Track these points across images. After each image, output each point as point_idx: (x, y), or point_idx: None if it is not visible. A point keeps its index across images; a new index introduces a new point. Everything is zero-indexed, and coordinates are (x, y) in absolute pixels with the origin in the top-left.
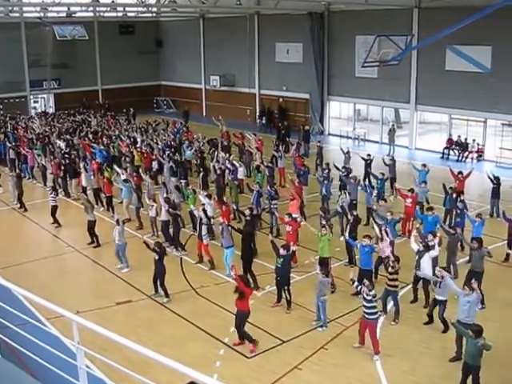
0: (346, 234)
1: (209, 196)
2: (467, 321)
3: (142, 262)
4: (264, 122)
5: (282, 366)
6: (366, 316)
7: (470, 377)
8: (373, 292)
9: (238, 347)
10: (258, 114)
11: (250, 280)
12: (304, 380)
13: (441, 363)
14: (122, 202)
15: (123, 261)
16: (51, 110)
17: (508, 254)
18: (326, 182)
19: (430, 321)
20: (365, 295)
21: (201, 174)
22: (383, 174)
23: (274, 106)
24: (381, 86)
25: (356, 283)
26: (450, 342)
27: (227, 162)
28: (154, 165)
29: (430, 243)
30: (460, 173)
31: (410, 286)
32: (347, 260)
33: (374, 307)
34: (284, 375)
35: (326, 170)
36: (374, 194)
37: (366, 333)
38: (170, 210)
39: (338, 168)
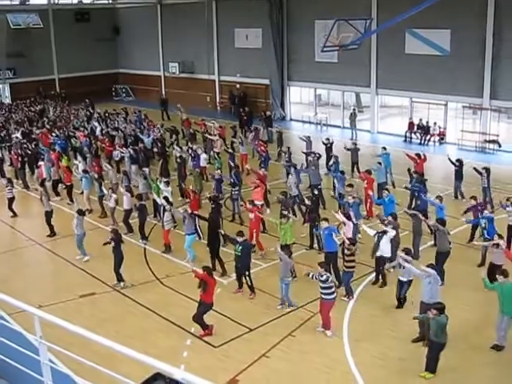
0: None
1: (167, 183)
2: (431, 301)
3: (105, 253)
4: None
5: (250, 355)
6: (323, 297)
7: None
8: (325, 276)
9: (204, 337)
10: (218, 100)
11: (219, 267)
12: (272, 368)
13: (409, 347)
14: (82, 193)
15: (81, 250)
16: (7, 101)
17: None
18: (293, 169)
19: (400, 304)
20: (319, 277)
21: (160, 162)
22: (336, 158)
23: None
24: (341, 71)
25: (307, 271)
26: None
27: (190, 149)
28: (117, 154)
29: (389, 226)
30: (418, 155)
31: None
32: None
33: (330, 287)
34: (252, 363)
35: (287, 155)
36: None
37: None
38: (137, 200)
39: (306, 153)
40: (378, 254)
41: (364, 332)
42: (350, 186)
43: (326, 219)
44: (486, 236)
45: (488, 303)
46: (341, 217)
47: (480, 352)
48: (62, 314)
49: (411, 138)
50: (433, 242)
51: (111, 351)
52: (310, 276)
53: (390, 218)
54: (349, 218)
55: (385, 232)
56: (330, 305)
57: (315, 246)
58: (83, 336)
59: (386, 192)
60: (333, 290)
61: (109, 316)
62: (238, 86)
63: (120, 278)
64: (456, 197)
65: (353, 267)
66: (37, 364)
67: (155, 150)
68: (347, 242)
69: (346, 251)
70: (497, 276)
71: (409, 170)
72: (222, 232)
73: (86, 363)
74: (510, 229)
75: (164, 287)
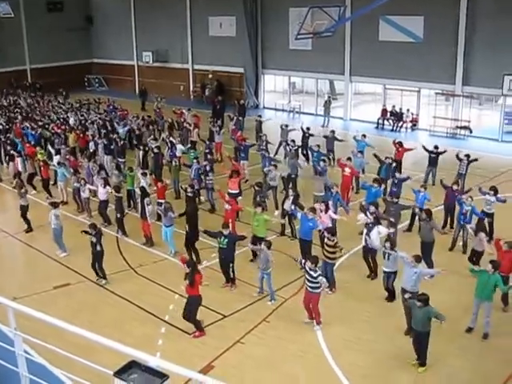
0: (292, 207)
1: (144, 174)
2: (413, 289)
3: (78, 245)
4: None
5: (225, 341)
6: (310, 290)
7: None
8: (318, 272)
9: (179, 324)
10: (192, 89)
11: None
12: (247, 353)
13: (381, 330)
14: (54, 184)
15: (60, 245)
16: None
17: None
18: (266, 155)
19: (390, 295)
20: (308, 269)
21: (140, 153)
22: (319, 146)
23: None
24: (315, 58)
25: (302, 260)
26: (390, 309)
27: (166, 140)
28: (91, 145)
29: (372, 215)
30: (399, 143)
31: (347, 255)
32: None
33: (319, 282)
34: (227, 350)
35: (264, 143)
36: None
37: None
38: (114, 193)
39: (280, 142)
40: (369, 246)
41: (335, 316)
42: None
43: (313, 209)
44: (462, 222)
45: (461, 287)
46: (318, 207)
47: (455, 335)
48: (37, 305)
49: (383, 124)
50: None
51: (86, 341)
52: (302, 265)
53: (372, 208)
54: (327, 207)
55: (375, 224)
56: (318, 297)
57: (287, 232)
58: (58, 327)
59: (376, 184)
60: (320, 283)
61: (83, 306)
62: (210, 75)
63: (103, 275)
64: (426, 182)
65: (334, 258)
66: (12, 356)
67: (134, 141)
68: (326, 231)
69: (327, 241)
70: (488, 266)
71: (376, 155)
72: (202, 229)
73: (62, 353)
74: (486, 217)
75: (138, 276)
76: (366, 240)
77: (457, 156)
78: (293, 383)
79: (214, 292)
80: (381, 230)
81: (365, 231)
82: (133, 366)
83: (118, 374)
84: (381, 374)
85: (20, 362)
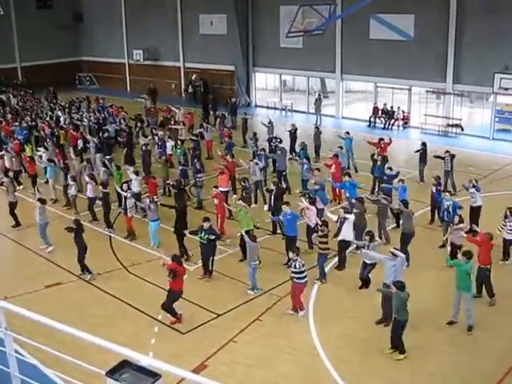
0: (267, 207)
1: (136, 172)
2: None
3: (69, 243)
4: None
5: (218, 340)
6: (295, 280)
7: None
8: (298, 262)
9: (174, 325)
10: (184, 87)
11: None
12: (240, 352)
13: (373, 327)
14: (46, 182)
15: (45, 240)
16: None
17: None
18: (262, 152)
19: (364, 284)
20: (291, 260)
21: (125, 150)
22: (303, 144)
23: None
24: (306, 56)
25: (291, 255)
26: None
27: (155, 137)
28: (79, 143)
29: (355, 210)
30: (381, 139)
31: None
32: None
33: (302, 272)
34: (220, 348)
35: (253, 140)
36: (306, 167)
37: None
38: (101, 189)
39: (268, 139)
40: (340, 237)
41: (329, 314)
42: (318, 169)
43: (287, 203)
44: (445, 218)
45: (449, 283)
46: (304, 203)
47: (443, 330)
48: (28, 304)
49: (375, 122)
50: (395, 225)
51: (78, 340)
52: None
53: (354, 202)
54: (313, 203)
55: (346, 218)
56: (302, 288)
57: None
58: (50, 326)
59: (347, 177)
60: (304, 274)
61: (75, 305)
62: (194, 76)
63: (87, 270)
64: (422, 180)
65: (327, 249)
66: (2, 356)
67: (120, 139)
68: (319, 223)
69: (319, 233)
70: (458, 256)
71: (372, 155)
72: (187, 232)
73: (53, 353)
74: (472, 210)
75: (130, 275)
76: (337, 234)
77: (437, 157)
78: (286, 381)
79: (207, 291)
80: (350, 220)
81: (337, 226)
82: (125, 365)
83: (110, 373)
84: (373, 371)
85: (11, 362)
